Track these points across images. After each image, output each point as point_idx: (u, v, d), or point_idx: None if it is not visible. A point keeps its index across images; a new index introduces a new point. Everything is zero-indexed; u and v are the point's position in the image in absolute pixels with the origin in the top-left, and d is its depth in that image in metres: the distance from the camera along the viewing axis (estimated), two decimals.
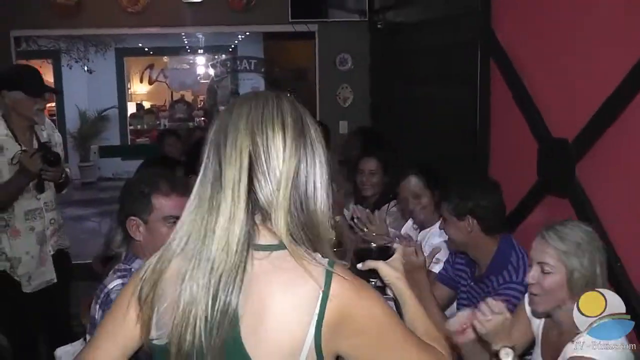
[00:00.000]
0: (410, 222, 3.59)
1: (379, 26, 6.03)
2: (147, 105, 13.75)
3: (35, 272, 3.47)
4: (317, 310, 1.17)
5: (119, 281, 2.08)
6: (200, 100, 13.84)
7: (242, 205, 1.20)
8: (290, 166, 1.22)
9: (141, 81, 14.39)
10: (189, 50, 13.39)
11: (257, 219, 1.24)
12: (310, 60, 6.70)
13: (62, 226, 3.71)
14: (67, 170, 3.70)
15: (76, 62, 11.81)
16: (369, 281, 1.47)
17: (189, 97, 14.10)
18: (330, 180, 1.30)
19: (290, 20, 6.33)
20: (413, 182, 3.38)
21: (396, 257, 1.54)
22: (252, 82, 11.68)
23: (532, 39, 3.34)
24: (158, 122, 12.80)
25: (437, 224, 3.19)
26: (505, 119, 3.63)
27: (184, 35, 11.47)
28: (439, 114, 4.57)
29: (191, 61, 14.06)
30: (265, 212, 1.22)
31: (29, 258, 3.43)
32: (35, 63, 13.50)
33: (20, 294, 3.42)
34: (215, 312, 1.17)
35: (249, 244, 1.21)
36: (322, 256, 1.24)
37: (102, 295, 2.09)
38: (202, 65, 13.97)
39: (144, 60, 14.08)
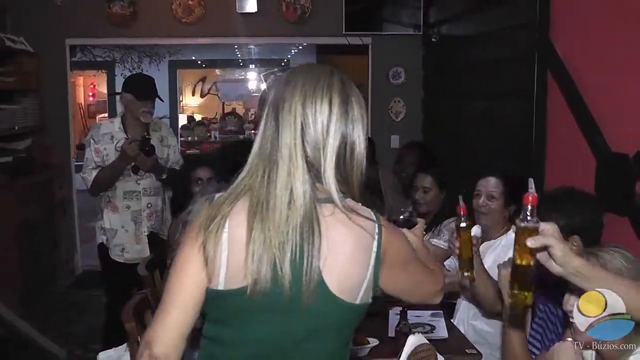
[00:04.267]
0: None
1: (433, 40, 5.97)
2: (198, 117, 13.85)
3: (131, 247, 4.09)
4: (374, 251, 1.48)
5: None
6: (251, 114, 13.86)
7: (299, 163, 1.44)
8: (334, 138, 1.46)
9: (193, 94, 14.49)
10: (241, 64, 13.46)
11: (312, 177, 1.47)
12: (363, 75, 6.64)
13: (161, 213, 4.23)
14: (176, 167, 4.27)
15: (130, 72, 11.94)
16: None
17: (240, 110, 14.11)
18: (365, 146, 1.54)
19: (344, 32, 6.32)
20: (492, 182, 3.16)
21: (417, 227, 1.87)
22: None
23: (591, 51, 3.25)
24: (209, 134, 12.74)
25: (504, 238, 3.08)
26: (562, 134, 3.53)
27: (236, 48, 11.53)
28: (493, 128, 4.48)
29: (243, 74, 14.14)
30: (316, 172, 1.46)
31: (124, 232, 4.09)
32: (89, 73, 13.93)
33: (116, 262, 4.10)
34: (302, 260, 1.41)
35: (315, 198, 1.44)
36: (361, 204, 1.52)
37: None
38: (254, 78, 14.05)
39: (196, 73, 14.19)
